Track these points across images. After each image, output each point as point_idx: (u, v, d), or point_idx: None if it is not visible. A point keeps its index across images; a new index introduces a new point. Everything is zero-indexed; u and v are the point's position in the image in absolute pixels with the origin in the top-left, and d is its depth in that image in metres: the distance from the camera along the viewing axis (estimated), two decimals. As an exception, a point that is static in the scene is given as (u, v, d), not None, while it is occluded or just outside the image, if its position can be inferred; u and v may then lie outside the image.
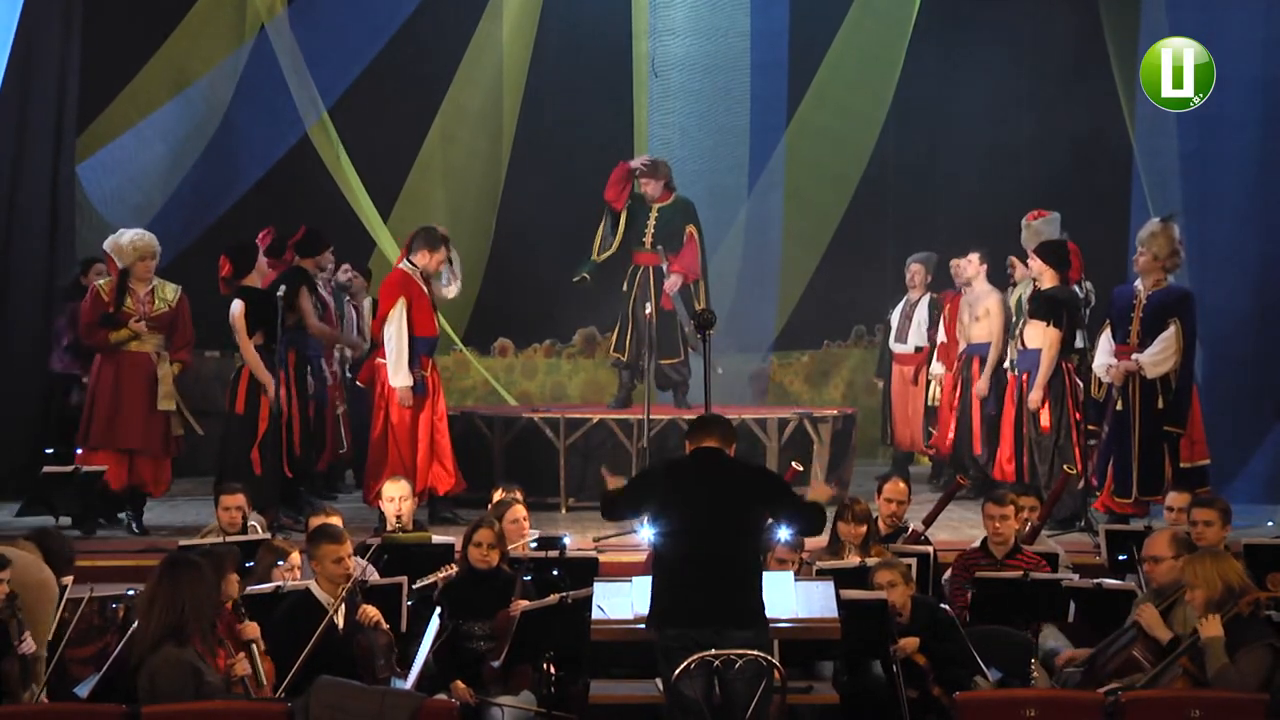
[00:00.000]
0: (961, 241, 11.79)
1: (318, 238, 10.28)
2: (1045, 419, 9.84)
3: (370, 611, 6.83)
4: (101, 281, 9.72)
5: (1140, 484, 9.58)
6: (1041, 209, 10.74)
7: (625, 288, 11.33)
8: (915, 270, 12.11)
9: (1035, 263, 10.16)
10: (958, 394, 11.46)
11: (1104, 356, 9.77)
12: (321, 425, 10.71)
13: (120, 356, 9.59)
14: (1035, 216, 10.65)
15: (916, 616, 7.06)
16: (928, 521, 8.53)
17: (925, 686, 6.87)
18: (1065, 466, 9.38)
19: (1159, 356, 9.50)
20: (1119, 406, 9.70)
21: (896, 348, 12.26)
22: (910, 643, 6.92)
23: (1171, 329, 9.48)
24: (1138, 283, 9.66)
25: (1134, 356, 9.48)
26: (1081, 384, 10.08)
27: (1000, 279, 11.51)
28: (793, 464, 9.21)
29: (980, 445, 11.16)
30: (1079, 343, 10.26)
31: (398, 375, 9.83)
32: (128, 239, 9.69)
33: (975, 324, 11.29)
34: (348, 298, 11.65)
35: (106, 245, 9.75)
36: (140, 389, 9.58)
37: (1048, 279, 10.02)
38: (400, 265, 10.09)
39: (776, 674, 5.79)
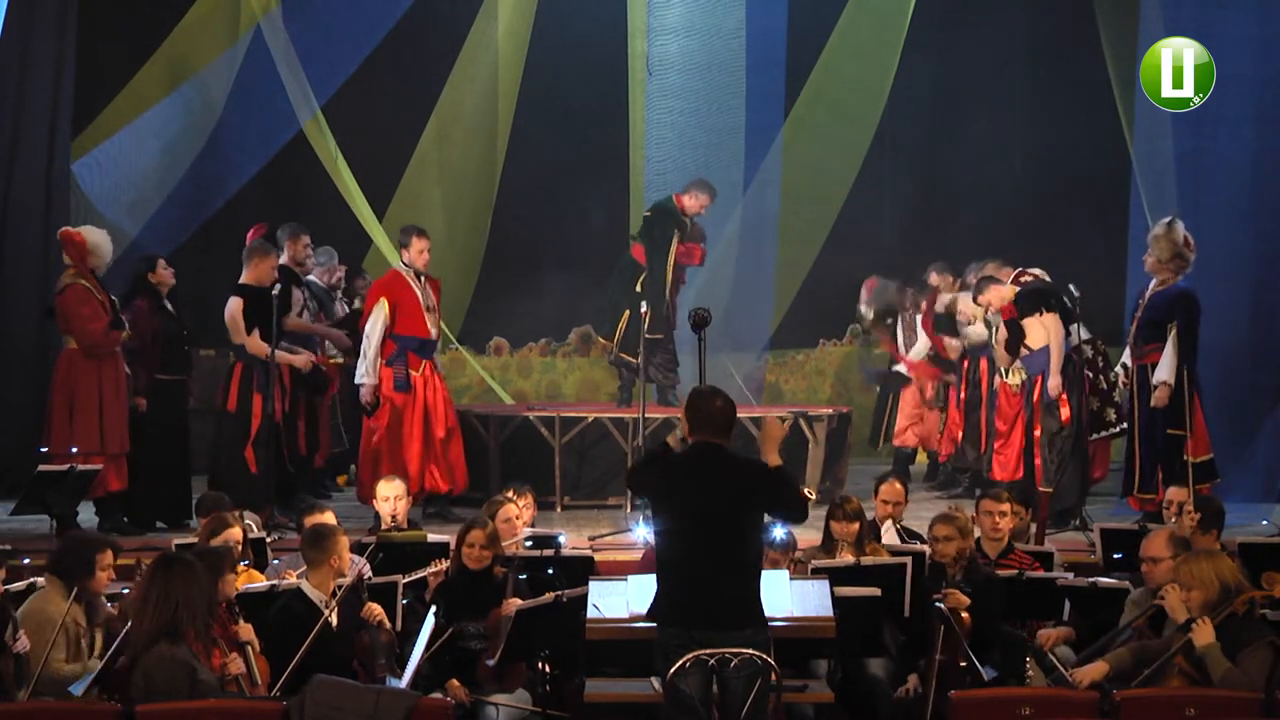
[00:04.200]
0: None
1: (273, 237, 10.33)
2: (1065, 411, 9.82)
3: (375, 609, 6.82)
4: (83, 282, 9.58)
5: (1140, 482, 9.65)
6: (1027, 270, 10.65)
7: (639, 289, 11.28)
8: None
9: (989, 295, 10.20)
10: (964, 395, 11.49)
11: (1125, 354, 9.86)
12: (315, 423, 10.71)
13: (103, 360, 9.58)
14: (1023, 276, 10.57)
15: (969, 578, 7.02)
16: None
17: (954, 653, 6.79)
18: (1042, 488, 9.38)
19: (1163, 362, 9.54)
20: (1127, 405, 9.82)
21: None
22: (961, 599, 6.88)
23: (1171, 334, 9.51)
24: (1153, 281, 9.74)
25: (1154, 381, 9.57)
26: (1091, 374, 10.11)
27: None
28: (804, 490, 9.04)
29: (973, 444, 11.19)
30: (1074, 339, 10.25)
31: (360, 372, 10.00)
32: (105, 239, 9.67)
33: (973, 326, 11.30)
34: (340, 296, 11.68)
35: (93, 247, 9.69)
36: (123, 390, 9.61)
37: (1007, 293, 10.08)
38: (397, 265, 10.20)
39: (773, 674, 5.79)
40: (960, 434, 11.51)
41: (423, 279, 10.15)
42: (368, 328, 9.99)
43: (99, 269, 9.68)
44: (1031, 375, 10.17)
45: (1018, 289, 10.10)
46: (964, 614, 6.90)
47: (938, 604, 6.86)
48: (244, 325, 9.64)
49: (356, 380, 10.03)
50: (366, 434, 10.08)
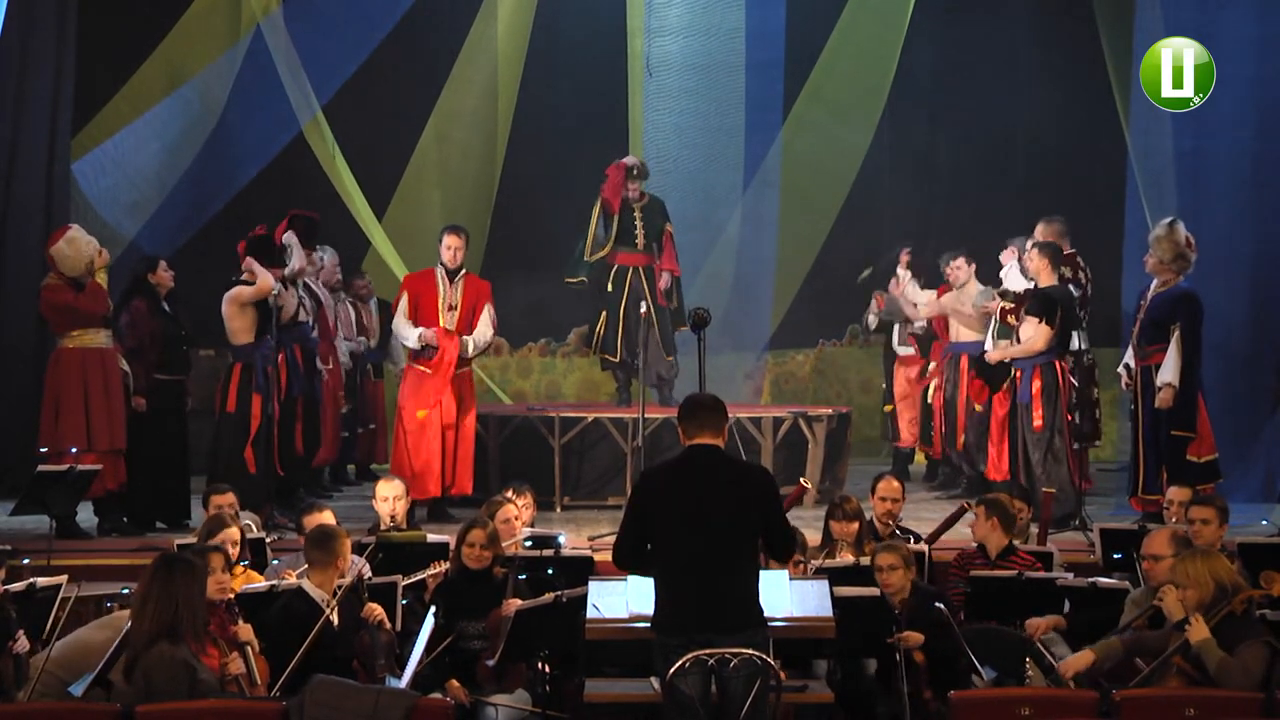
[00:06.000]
0: (957, 238, 11.79)
1: (271, 243, 10.26)
2: (1038, 418, 9.84)
3: (376, 609, 6.82)
4: (55, 281, 9.62)
5: (1145, 483, 9.66)
6: (1045, 216, 10.77)
7: (611, 288, 11.35)
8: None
9: (1035, 261, 10.15)
10: (943, 392, 11.50)
11: (1128, 355, 9.85)
12: (316, 422, 10.72)
13: (87, 354, 9.58)
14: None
15: (915, 606, 7.03)
16: (931, 539, 8.48)
17: (918, 686, 6.85)
18: (1044, 488, 9.37)
19: (1167, 364, 9.54)
20: (1131, 406, 9.80)
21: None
22: (915, 638, 6.89)
23: (1175, 335, 9.52)
24: (1154, 281, 9.75)
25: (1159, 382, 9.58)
26: (1077, 384, 10.10)
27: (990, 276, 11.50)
28: (801, 481, 9.09)
29: (965, 443, 11.21)
30: (1074, 344, 10.26)
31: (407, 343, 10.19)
32: (68, 248, 9.64)
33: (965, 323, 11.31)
34: (344, 297, 11.72)
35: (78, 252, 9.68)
36: (115, 387, 9.60)
37: (1044, 277, 10.03)
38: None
39: (773, 673, 5.79)
40: (943, 432, 11.55)
41: (457, 278, 10.14)
42: (393, 325, 10.34)
43: (78, 275, 9.64)
44: (1014, 371, 10.18)
45: (1055, 284, 10.06)
46: (918, 653, 6.89)
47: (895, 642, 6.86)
48: (246, 298, 9.62)
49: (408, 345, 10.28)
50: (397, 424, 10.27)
